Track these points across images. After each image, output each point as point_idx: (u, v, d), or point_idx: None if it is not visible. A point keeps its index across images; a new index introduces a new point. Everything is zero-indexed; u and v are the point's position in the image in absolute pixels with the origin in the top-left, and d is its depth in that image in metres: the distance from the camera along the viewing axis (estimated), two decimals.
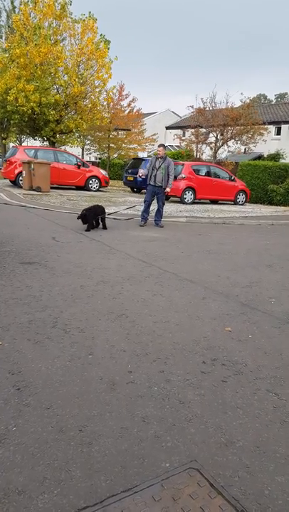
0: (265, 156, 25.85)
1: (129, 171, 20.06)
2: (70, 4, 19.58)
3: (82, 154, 35.08)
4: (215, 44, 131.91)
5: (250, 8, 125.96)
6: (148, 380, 2.63)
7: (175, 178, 15.91)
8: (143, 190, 17.80)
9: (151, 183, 9.48)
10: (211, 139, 22.81)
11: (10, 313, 3.55)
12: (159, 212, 9.72)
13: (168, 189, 9.66)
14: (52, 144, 21.56)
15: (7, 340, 3.03)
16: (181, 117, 38.40)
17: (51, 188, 15.70)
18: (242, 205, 17.49)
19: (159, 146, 9.80)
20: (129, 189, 21.43)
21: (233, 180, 17.50)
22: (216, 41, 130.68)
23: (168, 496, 1.71)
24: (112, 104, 25.92)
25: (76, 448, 1.97)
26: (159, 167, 9.36)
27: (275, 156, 24.53)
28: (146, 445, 2.02)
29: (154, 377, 2.67)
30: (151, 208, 9.97)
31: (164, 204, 9.81)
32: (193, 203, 16.03)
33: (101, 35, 20.01)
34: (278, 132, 28.67)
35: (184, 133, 26.89)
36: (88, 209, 8.33)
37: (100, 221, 8.58)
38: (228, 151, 24.09)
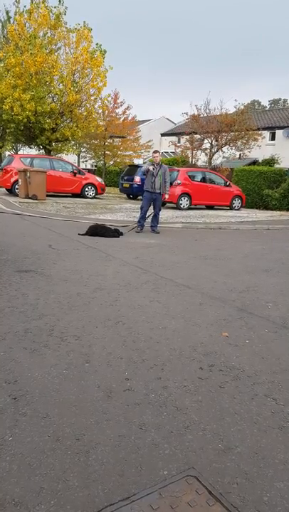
0: (260, 161, 25.99)
1: (125, 177, 20.14)
2: (65, 14, 19.76)
3: (78, 162, 35.23)
4: (210, 52, 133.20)
5: (246, 17, 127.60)
6: (145, 387, 2.61)
7: (171, 184, 16.05)
8: (139, 197, 17.84)
9: (150, 189, 9.50)
10: (206, 145, 22.93)
11: (6, 322, 3.53)
12: (156, 218, 9.75)
13: (166, 196, 9.70)
14: (48, 152, 21.62)
15: (3, 349, 3.01)
16: (176, 124, 38.60)
17: (47, 195, 15.72)
18: (237, 210, 17.56)
19: (155, 152, 9.82)
20: (125, 196, 21.49)
21: (228, 185, 17.59)
22: (212, 50, 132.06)
23: (166, 504, 1.70)
24: (107, 111, 26.08)
25: (73, 457, 1.95)
26: (157, 174, 9.40)
27: (270, 161, 24.64)
28: (144, 453, 2.01)
29: (151, 384, 2.66)
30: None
31: (160, 210, 9.85)
32: (189, 208, 16.10)
33: (97, 44, 20.17)
34: (273, 138, 28.86)
35: (178, 139, 27.01)
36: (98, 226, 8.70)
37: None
38: (223, 157, 24.23)
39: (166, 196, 9.82)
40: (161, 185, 9.45)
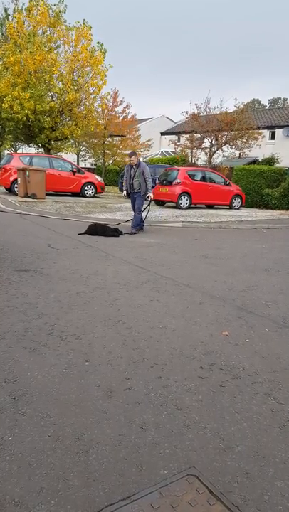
0: (260, 160, 25.98)
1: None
2: (65, 12, 19.72)
3: (78, 161, 35.16)
4: (211, 51, 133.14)
5: (246, 17, 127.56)
6: (145, 386, 2.61)
7: (170, 183, 16.04)
8: None
9: (131, 191, 9.41)
10: (206, 144, 22.92)
11: (6, 321, 3.52)
12: (135, 218, 9.35)
13: (151, 195, 9.30)
14: (47, 150, 21.60)
15: (3, 349, 3.00)
16: (176, 123, 38.58)
17: (46, 194, 15.70)
18: (237, 209, 17.55)
19: (130, 155, 9.42)
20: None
21: (228, 184, 17.57)
22: (212, 48, 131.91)
23: (166, 503, 1.69)
24: (106, 110, 26.05)
25: (73, 457, 1.95)
26: (134, 175, 9.21)
27: (270, 161, 24.63)
28: (144, 452, 2.00)
29: (151, 383, 2.65)
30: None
31: (140, 210, 9.46)
32: (188, 207, 16.08)
33: (98, 42, 20.17)
34: (272, 137, 28.86)
35: (178, 138, 26.99)
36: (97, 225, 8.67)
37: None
38: (223, 156, 24.21)
39: (151, 195, 9.33)
40: (140, 185, 9.21)
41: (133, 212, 9.61)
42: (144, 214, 9.72)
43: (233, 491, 1.80)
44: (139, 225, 9.50)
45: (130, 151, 9.89)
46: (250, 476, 1.89)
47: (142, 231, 9.56)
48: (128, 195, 9.67)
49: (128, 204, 16.26)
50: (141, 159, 27.60)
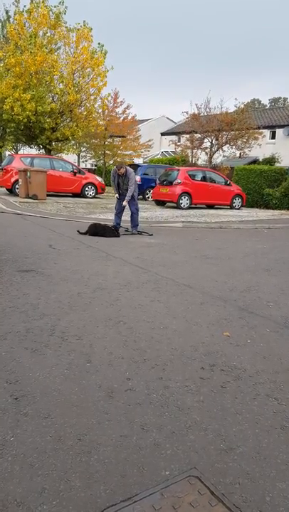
0: (261, 160, 25.95)
1: None
2: (65, 13, 19.76)
3: (78, 161, 35.22)
4: (211, 51, 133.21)
5: (246, 15, 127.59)
6: (146, 387, 2.61)
7: (171, 183, 16.05)
8: (139, 196, 17.81)
9: (122, 194, 9.39)
10: (206, 144, 22.91)
11: (7, 322, 3.53)
12: (132, 218, 9.47)
13: (124, 202, 9.24)
14: (48, 151, 21.63)
15: (4, 349, 3.01)
16: (176, 123, 38.55)
17: (47, 195, 15.71)
18: (238, 209, 17.54)
19: (118, 168, 9.29)
20: None
21: (228, 184, 17.55)
22: (212, 48, 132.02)
23: (168, 504, 1.69)
24: (107, 111, 26.08)
25: (75, 457, 1.95)
26: (123, 183, 9.28)
27: (271, 160, 24.60)
28: (146, 453, 2.01)
29: (152, 384, 2.65)
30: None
31: (138, 210, 9.55)
32: (189, 208, 16.07)
33: (99, 44, 20.21)
34: (273, 136, 28.82)
35: (179, 138, 26.98)
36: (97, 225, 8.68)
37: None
38: (224, 156, 24.20)
39: (124, 203, 9.25)
40: (128, 189, 9.19)
41: (117, 212, 9.63)
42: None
43: (235, 492, 1.80)
44: (138, 225, 9.57)
45: (118, 164, 9.78)
46: (251, 477, 1.89)
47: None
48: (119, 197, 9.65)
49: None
50: (141, 160, 27.67)
